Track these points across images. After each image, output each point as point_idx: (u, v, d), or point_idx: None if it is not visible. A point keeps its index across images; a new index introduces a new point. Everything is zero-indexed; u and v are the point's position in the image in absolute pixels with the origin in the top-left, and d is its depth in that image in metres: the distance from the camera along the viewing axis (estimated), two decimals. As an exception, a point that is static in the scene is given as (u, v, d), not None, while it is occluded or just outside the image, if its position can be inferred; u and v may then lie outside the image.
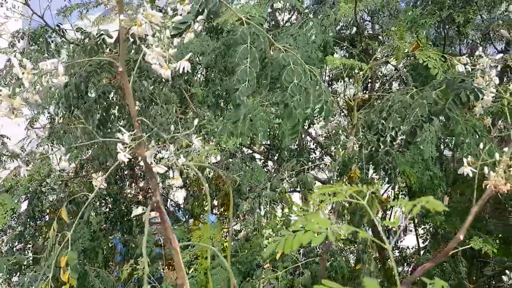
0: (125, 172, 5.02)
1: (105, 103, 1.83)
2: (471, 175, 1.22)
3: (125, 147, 1.23)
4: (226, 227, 4.65)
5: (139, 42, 1.03)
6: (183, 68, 1.07)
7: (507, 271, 1.56)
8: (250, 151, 4.72)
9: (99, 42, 1.46)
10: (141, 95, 2.02)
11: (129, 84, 1.32)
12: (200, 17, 1.14)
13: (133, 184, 5.26)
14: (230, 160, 3.64)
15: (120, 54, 1.28)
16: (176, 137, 1.27)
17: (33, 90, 1.19)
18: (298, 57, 1.41)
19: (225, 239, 3.40)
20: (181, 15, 1.08)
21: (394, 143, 1.84)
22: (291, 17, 4.50)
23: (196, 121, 1.28)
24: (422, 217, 4.13)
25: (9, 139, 5.66)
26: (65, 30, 4.16)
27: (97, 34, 1.50)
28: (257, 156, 4.78)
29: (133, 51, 1.64)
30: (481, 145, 1.18)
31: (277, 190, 2.27)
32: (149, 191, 5.46)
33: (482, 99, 1.40)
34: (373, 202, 0.92)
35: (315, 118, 4.20)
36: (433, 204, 0.80)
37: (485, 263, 4.00)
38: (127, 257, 4.38)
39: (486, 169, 1.15)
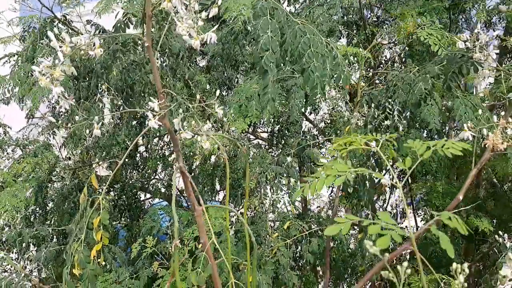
0: (126, 160, 5.11)
1: (129, 80, 1.94)
2: (470, 138, 1.34)
3: (154, 116, 1.35)
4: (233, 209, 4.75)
5: (172, 15, 1.13)
6: (210, 38, 1.18)
7: (500, 232, 1.68)
8: (254, 138, 4.81)
9: (125, 21, 1.56)
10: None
11: (155, 57, 1.42)
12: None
13: (134, 172, 5.36)
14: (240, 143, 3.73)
15: (146, 30, 1.38)
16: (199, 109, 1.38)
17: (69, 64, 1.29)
18: (314, 29, 1.52)
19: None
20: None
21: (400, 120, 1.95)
22: (284, 2, 4.55)
23: (218, 92, 1.39)
24: (423, 199, 4.25)
25: (10, 128, 5.75)
26: (71, 21, 4.21)
27: (123, 14, 1.60)
28: (260, 143, 4.86)
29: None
30: (480, 111, 1.30)
31: (283, 164, 2.38)
32: (150, 179, 5.55)
33: (480, 71, 1.53)
34: (389, 149, 1.02)
35: (317, 103, 4.30)
36: (451, 146, 0.90)
37: (482, 241, 4.15)
38: (132, 241, 4.50)
39: (484, 131, 1.27)
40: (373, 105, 1.95)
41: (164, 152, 5.17)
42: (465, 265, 0.91)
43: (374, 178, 2.23)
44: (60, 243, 3.25)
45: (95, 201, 1.53)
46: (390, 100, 1.90)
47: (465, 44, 1.60)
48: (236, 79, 4.36)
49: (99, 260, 1.51)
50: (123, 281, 3.08)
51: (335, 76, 1.56)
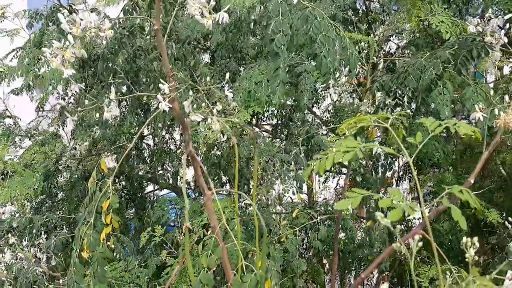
0: (133, 152, 5.13)
1: (135, 66, 1.94)
2: (481, 119, 1.33)
3: (164, 98, 1.35)
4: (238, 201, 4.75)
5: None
6: (223, 18, 1.18)
7: (510, 218, 1.66)
8: (258, 130, 4.80)
9: (133, 5, 1.57)
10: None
11: (164, 42, 1.43)
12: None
13: (141, 164, 5.38)
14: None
15: (156, 12, 1.38)
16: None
17: (80, 46, 1.30)
18: (323, 13, 1.51)
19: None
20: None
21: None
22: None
23: (227, 75, 1.39)
24: (431, 191, 4.23)
25: (20, 119, 5.80)
26: (77, 10, 4.23)
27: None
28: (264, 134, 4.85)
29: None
30: (491, 92, 1.29)
31: (291, 152, 2.38)
32: (157, 170, 5.58)
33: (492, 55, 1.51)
34: (399, 128, 1.01)
35: (320, 96, 4.29)
36: (462, 126, 0.90)
37: (491, 233, 4.13)
38: (141, 231, 4.54)
39: (496, 111, 1.26)
40: (380, 93, 1.94)
41: (170, 146, 5.22)
42: (475, 239, 0.91)
43: (386, 165, 2.23)
44: (70, 232, 3.28)
45: (103, 187, 1.53)
46: (400, 86, 1.89)
47: (476, 28, 1.58)
48: (240, 72, 4.36)
49: (108, 243, 1.52)
50: (132, 270, 3.11)
51: (344, 59, 1.55)
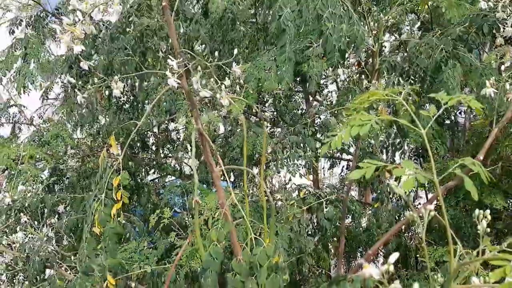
0: (138, 144, 5.16)
1: (142, 47, 1.94)
2: (492, 95, 1.32)
3: (172, 74, 1.35)
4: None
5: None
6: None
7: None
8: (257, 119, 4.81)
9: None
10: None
11: (171, 19, 1.42)
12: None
13: (145, 153, 5.41)
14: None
15: (164, -11, 1.38)
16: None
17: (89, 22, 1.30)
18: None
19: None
20: None
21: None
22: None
23: (236, 50, 1.38)
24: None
25: (26, 107, 5.82)
26: (63, 13, 4.25)
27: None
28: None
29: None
30: (503, 67, 1.28)
31: (299, 134, 2.38)
32: (162, 160, 5.61)
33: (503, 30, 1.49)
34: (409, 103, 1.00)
35: (324, 83, 4.28)
36: (472, 100, 0.90)
37: (496, 219, 4.12)
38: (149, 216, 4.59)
39: (507, 85, 1.25)
40: (384, 74, 1.93)
41: (173, 137, 5.27)
42: (487, 212, 0.91)
43: (395, 145, 2.22)
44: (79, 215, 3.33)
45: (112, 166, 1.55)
46: (412, 66, 1.87)
47: (488, 4, 1.56)
48: (235, 63, 4.33)
49: (119, 219, 1.53)
50: (141, 251, 3.15)
51: (350, 36, 1.52)
